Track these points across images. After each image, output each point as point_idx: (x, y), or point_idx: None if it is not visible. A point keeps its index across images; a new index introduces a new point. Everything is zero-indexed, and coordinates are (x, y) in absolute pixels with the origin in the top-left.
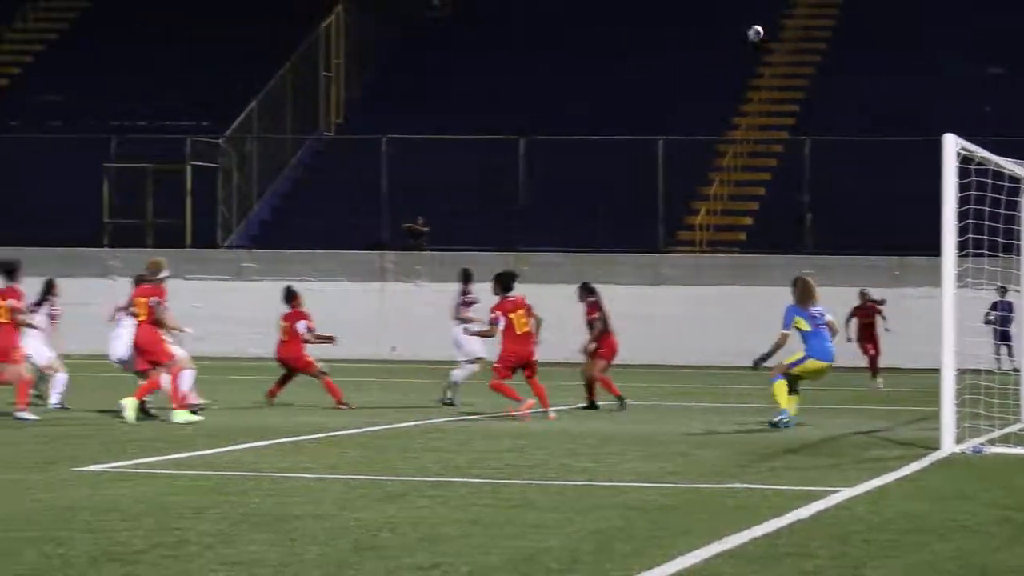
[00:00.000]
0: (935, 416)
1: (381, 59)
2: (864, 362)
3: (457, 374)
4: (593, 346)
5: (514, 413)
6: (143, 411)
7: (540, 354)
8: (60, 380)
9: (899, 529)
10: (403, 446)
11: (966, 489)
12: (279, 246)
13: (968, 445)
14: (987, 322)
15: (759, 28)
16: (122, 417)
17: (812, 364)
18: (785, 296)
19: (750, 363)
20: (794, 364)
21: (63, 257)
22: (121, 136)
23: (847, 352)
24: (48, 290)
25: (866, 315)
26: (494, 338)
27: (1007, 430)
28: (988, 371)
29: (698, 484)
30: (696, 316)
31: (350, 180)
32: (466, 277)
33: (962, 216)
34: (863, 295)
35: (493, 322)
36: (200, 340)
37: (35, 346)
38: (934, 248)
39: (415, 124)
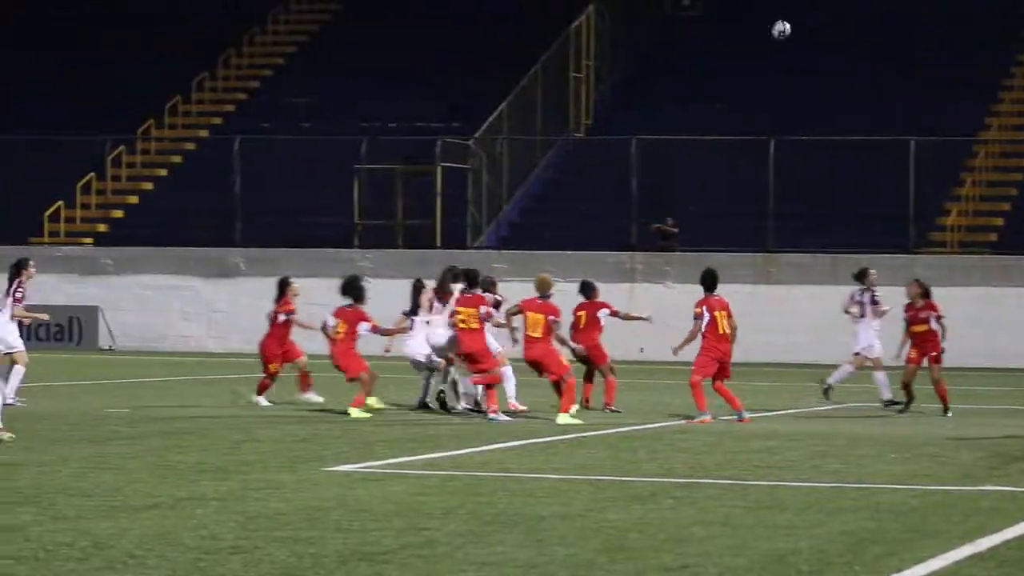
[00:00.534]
0: None
1: (631, 59)
2: None
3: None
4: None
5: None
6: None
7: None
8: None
9: None
10: (651, 447)
11: None
12: (528, 247)
13: None
14: None
15: (785, 25)
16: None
17: None
18: None
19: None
20: None
21: (312, 258)
22: (371, 137)
23: None
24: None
25: None
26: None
27: None
28: None
29: (949, 486)
30: (948, 317)
31: (599, 181)
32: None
33: None
34: None
35: (697, 317)
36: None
37: None
38: None
39: (665, 124)
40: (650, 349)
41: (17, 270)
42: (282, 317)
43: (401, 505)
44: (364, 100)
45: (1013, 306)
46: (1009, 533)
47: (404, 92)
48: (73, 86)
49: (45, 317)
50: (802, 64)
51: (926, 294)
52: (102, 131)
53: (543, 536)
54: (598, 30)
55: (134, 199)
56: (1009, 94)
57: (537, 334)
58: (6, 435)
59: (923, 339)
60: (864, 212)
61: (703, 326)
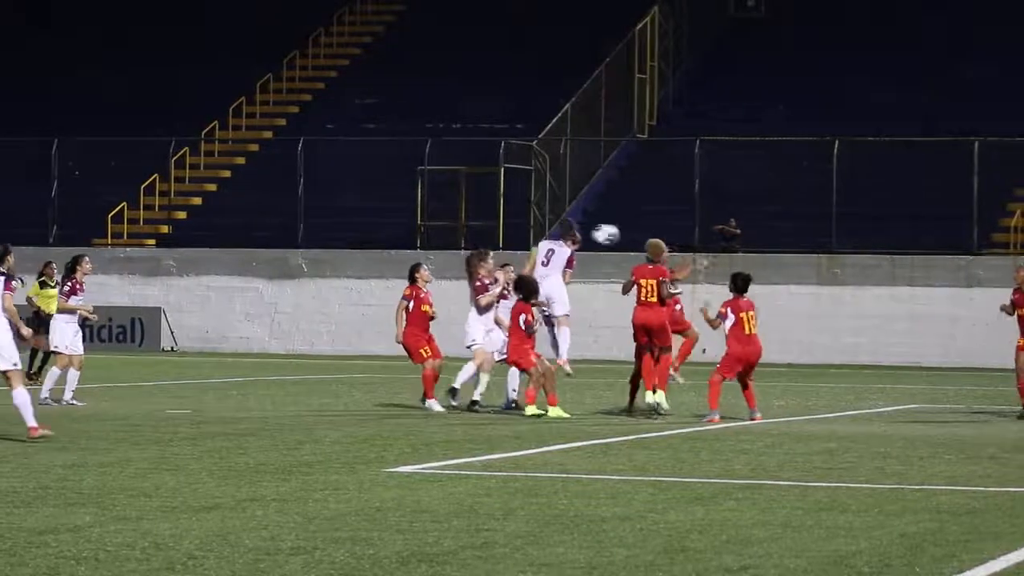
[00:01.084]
0: None
1: (695, 61)
2: None
3: None
4: None
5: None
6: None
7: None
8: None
9: None
10: (712, 448)
11: None
12: (590, 248)
13: None
14: None
15: (613, 228)
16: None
17: None
18: None
19: None
20: None
21: (376, 259)
22: (436, 138)
23: None
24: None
25: None
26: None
27: None
28: None
29: (1009, 488)
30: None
31: (662, 182)
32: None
33: None
34: None
35: (722, 316)
36: None
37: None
38: None
39: (728, 125)
40: (712, 350)
41: (72, 266)
42: (410, 304)
43: (461, 506)
44: (428, 101)
45: None
46: None
47: (468, 93)
48: (137, 87)
49: (90, 309)
50: (864, 65)
51: None
52: (166, 132)
53: (603, 537)
54: (662, 31)
55: (197, 200)
56: None
57: (653, 299)
58: (44, 431)
59: None
60: (926, 213)
61: (727, 327)
